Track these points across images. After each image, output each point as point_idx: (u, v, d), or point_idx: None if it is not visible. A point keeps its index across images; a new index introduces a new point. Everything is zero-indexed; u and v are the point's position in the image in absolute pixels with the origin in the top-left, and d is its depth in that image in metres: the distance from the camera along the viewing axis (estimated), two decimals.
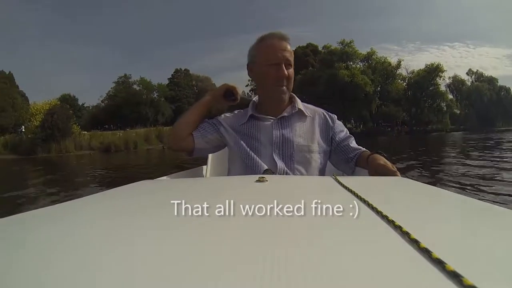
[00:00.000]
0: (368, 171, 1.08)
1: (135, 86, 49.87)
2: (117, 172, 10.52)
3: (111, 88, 49.45)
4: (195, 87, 55.90)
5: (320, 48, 47.79)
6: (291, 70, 1.16)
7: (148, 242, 0.33)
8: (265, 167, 1.10)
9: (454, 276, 0.23)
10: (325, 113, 1.30)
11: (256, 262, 0.27)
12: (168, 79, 55.78)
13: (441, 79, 43.37)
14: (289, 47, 1.15)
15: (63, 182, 7.73)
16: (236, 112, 1.32)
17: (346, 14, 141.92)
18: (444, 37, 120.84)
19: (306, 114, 1.23)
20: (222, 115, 1.32)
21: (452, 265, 0.24)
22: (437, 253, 0.26)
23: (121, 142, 25.74)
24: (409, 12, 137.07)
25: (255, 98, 1.30)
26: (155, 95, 50.36)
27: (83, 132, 27.94)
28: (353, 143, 1.25)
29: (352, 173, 1.22)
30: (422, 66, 43.99)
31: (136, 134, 28.38)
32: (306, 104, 1.30)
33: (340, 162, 1.26)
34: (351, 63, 40.34)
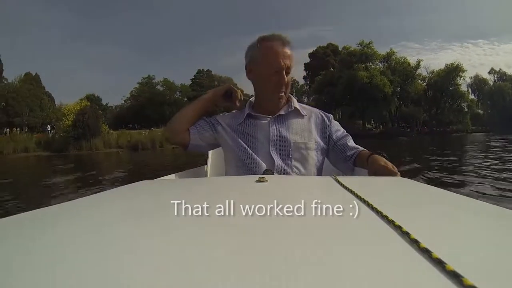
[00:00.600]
0: (368, 171, 1.09)
1: (158, 87, 51.87)
2: (146, 168, 11.38)
3: (134, 88, 51.28)
4: None
5: (340, 48, 48.03)
6: (290, 76, 1.19)
7: (148, 242, 0.33)
8: (263, 165, 1.13)
9: (454, 276, 0.23)
10: (321, 113, 1.33)
11: (257, 262, 0.27)
12: (190, 79, 57.84)
13: (461, 79, 43.21)
14: (289, 52, 1.17)
15: (104, 176, 8.76)
16: (234, 111, 1.34)
17: (366, 12, 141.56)
18: (467, 34, 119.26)
19: (303, 113, 1.27)
20: (220, 114, 1.35)
21: (452, 265, 0.24)
22: (437, 253, 0.26)
23: (148, 141, 27.07)
24: (430, 9, 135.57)
25: (252, 98, 1.33)
26: (178, 95, 52.11)
27: (111, 131, 29.50)
28: (351, 142, 1.28)
29: (351, 172, 1.25)
30: (444, 65, 43.87)
31: (161, 133, 29.68)
32: (302, 104, 1.33)
33: (339, 161, 1.28)
34: (370, 64, 40.68)
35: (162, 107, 48.28)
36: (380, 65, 42.16)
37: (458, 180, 5.38)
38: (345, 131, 1.33)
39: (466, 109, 46.90)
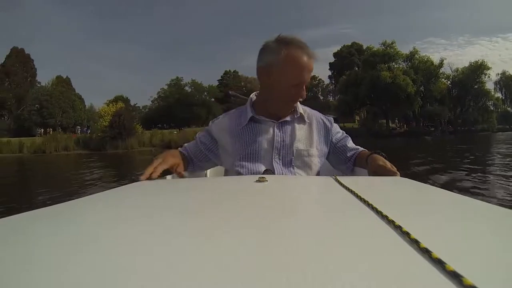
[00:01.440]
0: (367, 171, 1.10)
1: (186, 88, 54.28)
2: None
3: (161, 88, 53.62)
4: (243, 88, 59.51)
5: (364, 47, 48.61)
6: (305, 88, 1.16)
7: (148, 242, 0.34)
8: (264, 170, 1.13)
9: (454, 276, 0.23)
10: (322, 117, 1.32)
11: (257, 261, 0.27)
12: (218, 80, 61.01)
13: (486, 76, 43.03)
14: (312, 66, 1.12)
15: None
16: (233, 112, 1.30)
17: (389, 8, 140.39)
18: (496, 28, 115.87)
19: (305, 119, 1.24)
20: (216, 123, 1.27)
21: (452, 265, 0.24)
22: (437, 253, 0.27)
23: (180, 140, 28.94)
24: (457, 2, 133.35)
25: (252, 95, 1.29)
26: (205, 96, 54.55)
27: (145, 131, 31.71)
28: (350, 143, 1.28)
29: (351, 172, 1.26)
30: (473, 60, 43.48)
31: (193, 132, 31.62)
32: (304, 107, 1.29)
33: (339, 162, 1.29)
34: (393, 64, 41.08)
35: (191, 107, 50.49)
36: (404, 64, 42.51)
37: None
38: (345, 133, 1.33)
39: (491, 108, 46.73)
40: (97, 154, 23.07)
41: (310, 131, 1.24)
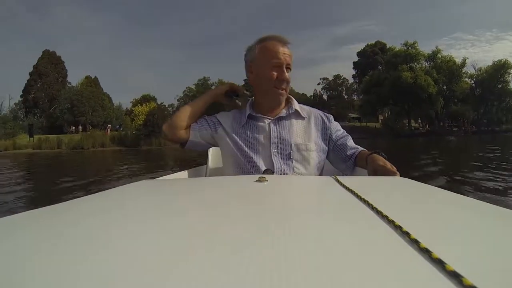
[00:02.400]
0: (367, 170, 1.12)
1: (213, 87, 56.39)
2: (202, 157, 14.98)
3: (186, 87, 56.32)
4: None
5: (388, 46, 49.70)
6: (290, 73, 1.22)
7: (148, 242, 0.34)
8: (263, 167, 1.17)
9: (454, 276, 0.24)
10: (321, 114, 1.36)
11: (257, 261, 0.28)
12: (244, 80, 62.63)
13: (511, 76, 43.14)
14: (289, 51, 1.21)
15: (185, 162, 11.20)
16: (233, 111, 1.37)
17: (414, 2, 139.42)
18: None
19: (303, 115, 1.30)
20: (221, 113, 1.37)
21: (452, 265, 0.25)
22: (437, 253, 0.27)
23: None
24: None
25: (253, 98, 1.35)
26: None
27: None
28: (350, 142, 1.30)
29: (351, 172, 1.28)
30: (503, 56, 44.12)
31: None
32: (302, 105, 1.36)
33: (339, 161, 1.31)
34: (415, 64, 41.97)
35: (219, 106, 51.75)
36: (426, 64, 43.33)
37: None
38: (345, 131, 1.36)
39: None
40: (133, 150, 25.61)
41: (308, 126, 1.29)
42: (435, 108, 41.92)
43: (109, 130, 42.71)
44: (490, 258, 0.29)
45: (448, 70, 42.03)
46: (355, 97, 66.50)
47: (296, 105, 1.32)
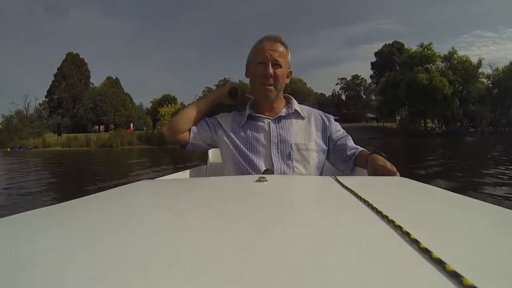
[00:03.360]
0: (367, 170, 1.13)
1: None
2: None
3: (206, 87, 58.96)
4: (288, 89, 64.00)
5: (406, 46, 50.64)
6: (280, 70, 1.22)
7: (148, 242, 0.35)
8: (263, 167, 1.19)
9: (454, 276, 0.24)
10: (321, 114, 1.38)
11: (257, 261, 0.28)
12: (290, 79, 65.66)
13: None
14: (281, 48, 1.22)
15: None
16: (234, 112, 1.40)
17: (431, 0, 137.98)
18: None
19: (303, 115, 1.32)
20: (221, 114, 1.40)
21: (452, 265, 0.25)
22: (437, 253, 0.27)
23: None
24: None
25: (253, 98, 1.37)
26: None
27: None
28: (351, 142, 1.32)
29: (351, 172, 1.30)
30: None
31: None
32: (302, 106, 1.38)
33: (339, 161, 1.33)
34: (431, 65, 42.83)
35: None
36: (442, 65, 44.23)
37: None
38: (345, 132, 1.38)
39: None
40: (159, 149, 27.80)
41: (308, 126, 1.31)
42: (450, 108, 42.71)
43: (131, 128, 45.81)
44: (490, 258, 0.29)
45: (464, 70, 42.85)
46: (373, 97, 67.65)
47: (296, 105, 1.35)
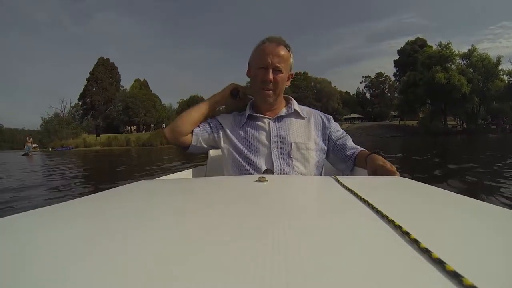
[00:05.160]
0: (367, 170, 1.16)
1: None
2: None
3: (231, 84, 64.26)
4: (313, 88, 68.29)
5: (429, 43, 53.13)
6: (280, 76, 1.28)
7: (148, 242, 0.35)
8: (263, 167, 1.23)
9: (454, 276, 0.25)
10: (321, 114, 1.44)
11: (257, 261, 0.29)
12: (290, 81, 69.54)
13: None
14: (282, 51, 1.26)
15: None
16: (234, 113, 1.47)
17: None
18: None
19: (302, 115, 1.39)
20: (222, 115, 1.46)
21: (452, 265, 0.26)
22: (437, 253, 0.28)
23: None
24: None
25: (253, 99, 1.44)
26: None
27: None
28: (350, 142, 1.38)
29: (350, 172, 1.35)
30: None
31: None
32: (302, 106, 1.45)
33: (338, 161, 1.39)
34: (450, 64, 44.91)
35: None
36: (462, 62, 46.17)
37: None
38: (345, 132, 1.43)
39: None
40: None
41: (307, 126, 1.37)
42: (469, 107, 44.61)
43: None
44: (490, 258, 0.30)
45: (484, 68, 44.53)
46: (397, 95, 69.13)
47: (296, 106, 1.41)
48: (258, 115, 1.38)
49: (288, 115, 1.39)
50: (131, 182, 0.85)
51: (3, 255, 0.33)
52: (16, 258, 0.32)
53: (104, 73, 65.40)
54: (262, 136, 1.32)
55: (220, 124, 1.43)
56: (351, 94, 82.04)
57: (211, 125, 1.43)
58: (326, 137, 1.41)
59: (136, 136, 41.87)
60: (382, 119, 68.11)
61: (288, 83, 1.39)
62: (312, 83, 70.00)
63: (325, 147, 1.39)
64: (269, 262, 0.28)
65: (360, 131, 47.84)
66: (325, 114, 1.48)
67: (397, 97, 62.42)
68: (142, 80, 66.46)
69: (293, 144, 1.29)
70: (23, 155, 24.39)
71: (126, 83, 67.52)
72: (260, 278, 0.26)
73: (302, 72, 70.55)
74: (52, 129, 54.35)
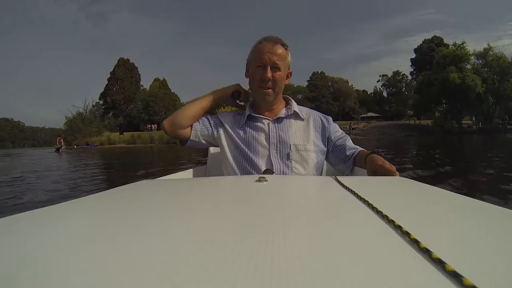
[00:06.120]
0: (366, 170, 1.18)
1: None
2: None
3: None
4: (331, 88, 70.42)
5: (445, 41, 53.83)
6: (279, 73, 1.29)
7: (148, 242, 0.36)
8: (263, 167, 1.25)
9: (454, 276, 0.25)
10: (320, 115, 1.46)
11: (257, 261, 0.29)
12: (307, 81, 73.35)
13: None
14: (280, 50, 1.28)
15: None
16: (234, 112, 1.47)
17: None
18: None
19: (301, 116, 1.41)
20: (223, 113, 1.47)
21: (452, 265, 0.27)
22: (437, 253, 0.29)
23: None
24: None
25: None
26: (299, 97, 67.00)
27: None
28: (349, 142, 1.41)
29: (350, 172, 1.37)
30: None
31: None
32: (301, 107, 1.47)
33: (338, 161, 1.41)
34: (465, 64, 45.16)
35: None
36: (478, 62, 46.51)
37: None
38: (344, 132, 1.46)
39: None
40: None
41: (306, 127, 1.39)
42: (484, 106, 44.92)
43: None
44: (490, 258, 0.30)
45: (499, 67, 44.54)
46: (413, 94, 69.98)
47: (295, 107, 1.43)
48: (257, 115, 1.40)
49: (287, 117, 1.40)
50: (132, 182, 0.88)
51: (3, 255, 0.33)
52: (16, 258, 0.32)
53: (124, 73, 68.84)
54: (261, 137, 1.34)
55: (221, 122, 1.44)
56: (369, 93, 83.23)
57: (211, 122, 1.44)
58: (326, 138, 1.43)
59: (159, 134, 44.21)
60: (399, 118, 69.07)
61: (287, 82, 1.41)
62: (329, 83, 72.02)
63: (325, 148, 1.42)
64: (269, 262, 0.29)
65: (375, 130, 48.85)
66: (324, 115, 1.50)
67: (412, 96, 63.27)
68: (161, 79, 69.69)
69: (292, 145, 1.31)
70: (55, 151, 26.97)
71: (146, 82, 70.66)
72: (261, 278, 0.26)
73: (319, 72, 72.73)
74: (76, 127, 57.70)
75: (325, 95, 70.07)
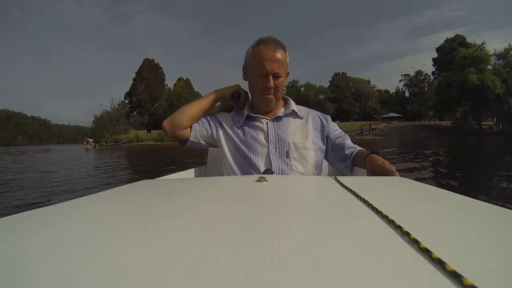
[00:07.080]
0: (366, 170, 1.19)
1: (302, 89, 69.02)
2: None
3: None
4: (352, 89, 72.45)
5: (467, 40, 53.83)
6: (280, 80, 1.32)
7: (148, 242, 0.37)
8: (262, 167, 1.26)
9: (454, 276, 0.26)
10: (319, 114, 1.49)
11: (257, 261, 0.30)
12: (329, 81, 75.40)
13: None
14: (279, 55, 1.28)
15: None
16: (233, 112, 1.51)
17: None
18: None
19: (300, 115, 1.43)
20: (221, 114, 1.50)
21: (452, 265, 0.27)
22: (437, 253, 0.29)
23: None
24: None
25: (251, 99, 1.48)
26: (321, 97, 69.14)
27: None
28: (348, 141, 1.42)
29: (350, 171, 1.39)
30: None
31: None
32: (300, 106, 1.49)
33: (337, 160, 1.44)
34: (485, 65, 45.33)
35: (307, 106, 64.27)
36: (499, 62, 46.65)
37: None
38: (343, 131, 1.48)
39: None
40: None
41: (305, 125, 1.41)
42: (506, 107, 45.01)
43: None
44: (490, 258, 0.31)
45: None
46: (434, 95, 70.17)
47: (294, 106, 1.45)
48: (256, 115, 1.41)
49: (286, 115, 1.42)
50: (132, 182, 0.89)
51: (3, 255, 0.34)
52: (16, 258, 0.32)
53: (149, 73, 72.55)
54: (260, 136, 1.35)
55: (220, 122, 1.47)
56: (391, 93, 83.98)
57: (211, 123, 1.46)
58: (325, 137, 1.45)
59: None
60: (421, 118, 69.47)
61: (286, 82, 1.42)
62: (351, 83, 73.58)
63: (324, 147, 1.44)
64: (270, 262, 0.29)
65: (395, 130, 49.56)
66: (323, 114, 1.52)
67: (432, 97, 63.71)
68: (185, 79, 73.07)
69: (291, 144, 1.33)
70: (89, 148, 30.24)
71: (169, 81, 74.11)
72: (261, 278, 0.26)
73: (341, 72, 74.38)
74: (103, 125, 61.40)
75: (347, 96, 71.61)
